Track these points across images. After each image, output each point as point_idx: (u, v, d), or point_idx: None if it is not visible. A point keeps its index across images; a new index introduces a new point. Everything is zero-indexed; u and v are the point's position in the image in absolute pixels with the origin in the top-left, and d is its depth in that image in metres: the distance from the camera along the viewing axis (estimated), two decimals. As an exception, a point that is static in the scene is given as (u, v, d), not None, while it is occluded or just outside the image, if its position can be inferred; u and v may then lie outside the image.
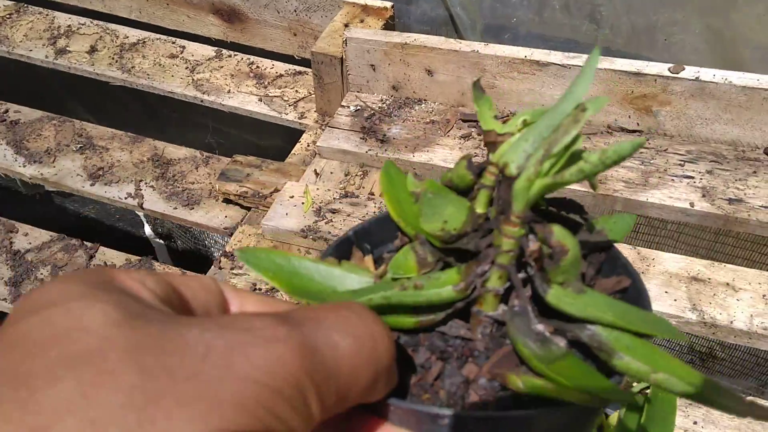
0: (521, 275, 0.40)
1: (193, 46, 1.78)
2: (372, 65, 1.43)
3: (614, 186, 1.25)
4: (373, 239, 0.49)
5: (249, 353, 0.28)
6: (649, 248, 1.19)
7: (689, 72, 1.25)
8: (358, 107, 1.46)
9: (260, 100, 1.64)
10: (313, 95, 1.62)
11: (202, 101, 1.66)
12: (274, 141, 2.12)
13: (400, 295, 0.39)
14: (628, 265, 0.43)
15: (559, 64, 1.30)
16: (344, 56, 1.45)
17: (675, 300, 1.11)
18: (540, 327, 0.39)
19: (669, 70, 1.26)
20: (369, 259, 0.47)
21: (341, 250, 0.48)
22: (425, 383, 0.40)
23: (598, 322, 0.37)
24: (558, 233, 0.38)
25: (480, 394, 0.39)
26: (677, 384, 0.33)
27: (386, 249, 0.48)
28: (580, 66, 1.29)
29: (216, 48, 1.76)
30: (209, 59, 1.75)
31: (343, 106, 1.47)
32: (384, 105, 1.46)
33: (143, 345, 0.26)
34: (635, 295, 0.42)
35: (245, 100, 1.64)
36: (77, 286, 0.29)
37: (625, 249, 1.19)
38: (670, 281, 1.14)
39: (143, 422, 0.24)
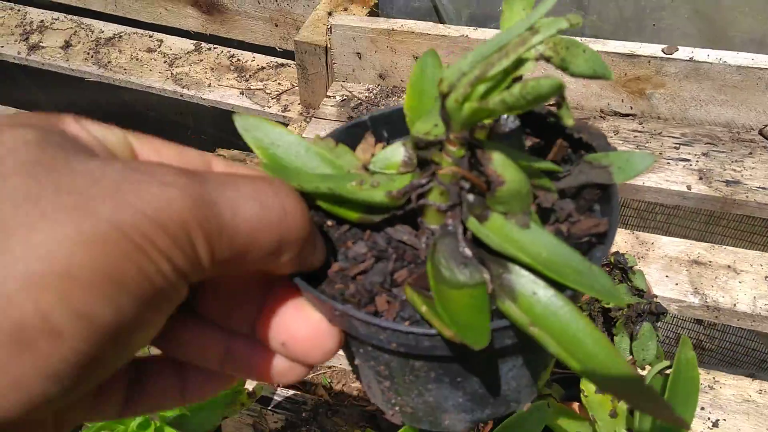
0: (469, 198, 0.39)
1: (171, 40, 1.73)
2: (358, 53, 1.40)
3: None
4: (394, 128, 0.49)
5: (140, 188, 0.28)
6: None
7: (683, 53, 1.23)
8: (345, 97, 1.42)
9: (242, 93, 1.59)
10: (297, 88, 1.58)
11: (181, 96, 1.61)
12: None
13: (342, 189, 0.39)
14: (615, 209, 0.41)
15: (550, 48, 1.27)
16: (329, 45, 1.41)
17: (676, 284, 1.08)
18: (467, 252, 0.38)
19: (663, 51, 1.24)
20: (380, 148, 0.46)
21: (353, 134, 0.47)
22: (347, 274, 0.40)
23: (518, 262, 0.37)
24: (497, 162, 0.36)
25: (387, 299, 0.39)
26: (550, 344, 0.33)
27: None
28: (571, 49, 1.27)
29: (195, 41, 1.72)
30: (188, 53, 1.70)
31: (328, 97, 1.43)
32: (371, 94, 1.42)
33: (42, 162, 0.28)
34: (604, 241, 0.40)
35: (226, 94, 1.59)
36: (23, 119, 0.31)
37: (623, 234, 1.17)
38: (670, 265, 1.11)
39: (18, 214, 0.26)
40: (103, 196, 0.27)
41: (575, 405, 0.80)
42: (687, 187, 1.19)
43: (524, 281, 0.36)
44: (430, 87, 0.46)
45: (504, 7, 0.40)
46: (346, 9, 1.51)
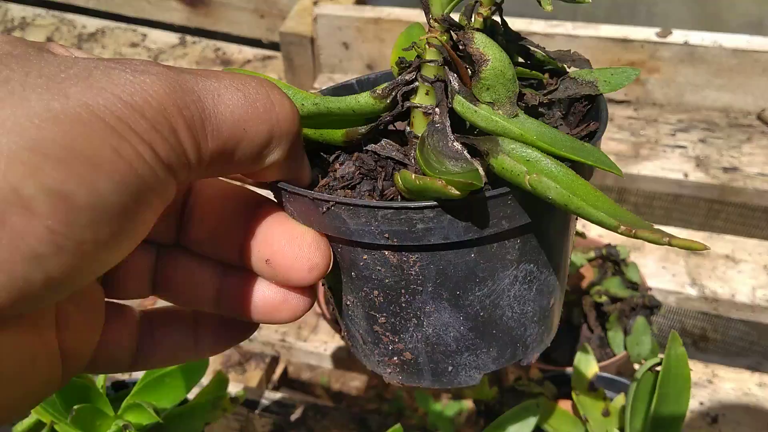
0: (456, 86, 0.38)
1: (155, 34, 1.69)
2: (345, 43, 1.36)
3: (604, 159, 1.19)
4: None
5: (112, 74, 0.27)
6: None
7: (677, 36, 1.20)
8: (332, 88, 1.38)
9: (228, 86, 1.56)
10: (284, 80, 1.54)
11: (167, 90, 1.58)
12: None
13: (327, 101, 0.38)
14: (603, 112, 0.41)
15: (542, 33, 1.24)
16: (315, 35, 1.37)
17: (674, 275, 1.05)
18: (456, 145, 0.37)
19: (656, 34, 1.20)
20: None
21: (339, 94, 0.45)
22: (334, 186, 0.40)
23: (508, 136, 0.36)
24: (479, 40, 0.35)
25: (378, 198, 0.39)
26: (550, 187, 0.32)
27: None
28: (563, 35, 1.23)
29: (179, 34, 1.68)
30: (173, 47, 1.66)
31: (315, 89, 1.39)
32: (358, 85, 1.39)
33: (14, 54, 0.27)
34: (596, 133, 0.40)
35: (212, 88, 1.56)
36: (8, 36, 0.30)
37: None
38: (667, 256, 1.08)
39: None
40: (74, 80, 0.27)
41: (567, 403, 0.77)
42: (684, 174, 1.15)
43: (516, 149, 0.35)
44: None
45: None
46: (332, -2, 1.48)
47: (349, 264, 0.39)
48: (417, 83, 0.39)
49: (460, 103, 0.37)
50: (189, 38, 1.68)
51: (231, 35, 1.68)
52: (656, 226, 0.31)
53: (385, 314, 0.40)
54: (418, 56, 0.38)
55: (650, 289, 0.88)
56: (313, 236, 0.38)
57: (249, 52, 1.64)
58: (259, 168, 0.34)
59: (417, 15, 1.31)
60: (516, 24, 1.25)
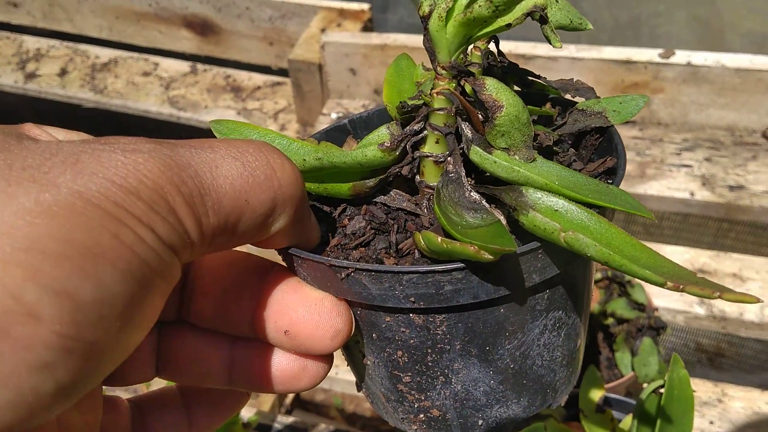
0: (468, 133, 0.36)
1: (166, 62, 1.72)
2: (352, 69, 1.38)
3: (610, 179, 1.20)
4: (373, 131, 0.45)
5: (102, 156, 0.26)
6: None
7: (680, 57, 1.21)
8: (340, 114, 1.40)
9: (238, 113, 1.58)
10: (293, 105, 1.57)
11: (178, 119, 1.60)
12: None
13: (330, 156, 0.37)
14: (619, 145, 0.39)
15: (545, 57, 1.25)
16: (323, 62, 1.40)
17: (681, 295, 1.06)
18: (474, 195, 0.35)
19: (659, 55, 1.22)
20: None
21: (333, 137, 0.45)
22: (347, 247, 0.38)
23: (532, 185, 0.34)
24: (491, 86, 0.34)
25: (396, 261, 0.37)
26: (588, 244, 0.30)
27: None
28: (567, 57, 1.25)
29: (191, 63, 1.71)
30: (184, 75, 1.69)
31: (324, 114, 1.41)
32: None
33: None
34: (616, 171, 0.38)
35: (223, 115, 1.58)
36: None
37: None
38: (675, 275, 1.08)
39: None
40: (62, 168, 0.25)
41: (576, 425, 0.78)
42: (690, 193, 1.16)
43: (542, 200, 0.34)
44: (407, 84, 0.45)
45: None
46: (339, 25, 1.50)
47: (369, 326, 0.38)
48: (426, 132, 0.38)
49: (478, 154, 0.36)
50: (200, 66, 1.70)
51: (241, 63, 1.71)
52: (699, 275, 0.30)
53: (410, 374, 0.38)
54: (425, 104, 0.37)
55: (657, 309, 0.88)
56: (332, 301, 0.36)
57: (258, 78, 1.67)
58: (265, 237, 0.33)
59: (419, 41, 1.33)
60: (520, 48, 1.27)
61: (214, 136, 0.41)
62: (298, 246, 0.36)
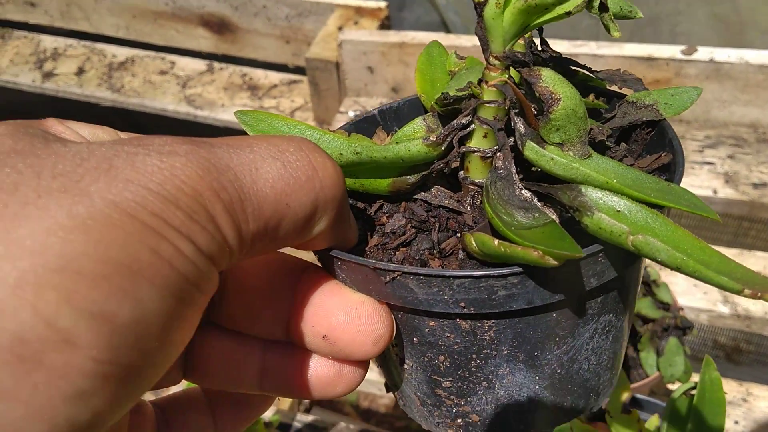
0: (521, 128, 0.34)
1: (183, 61, 1.72)
2: (369, 67, 1.38)
3: (631, 177, 1.18)
4: (404, 122, 0.43)
5: (136, 161, 0.24)
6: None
7: (703, 53, 1.19)
8: (357, 112, 1.40)
9: (255, 112, 1.58)
10: (310, 104, 1.56)
11: (195, 117, 1.60)
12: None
13: (370, 150, 0.35)
14: (674, 140, 0.37)
15: (565, 54, 1.24)
16: (340, 60, 1.39)
17: (705, 293, 1.04)
18: (525, 193, 0.34)
19: (681, 52, 1.20)
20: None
21: (362, 128, 0.43)
22: (388, 247, 0.36)
23: (590, 184, 0.33)
24: (548, 78, 0.32)
25: (441, 263, 0.35)
26: (660, 249, 0.29)
27: None
28: (587, 54, 1.24)
29: (207, 61, 1.71)
30: (201, 73, 1.69)
31: (341, 112, 1.41)
32: (384, 108, 1.40)
33: (18, 150, 0.24)
34: (672, 172, 0.36)
35: (240, 113, 1.58)
36: (7, 124, 0.27)
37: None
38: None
39: None
40: (95, 174, 0.23)
41: (601, 426, 0.77)
42: (713, 191, 1.15)
43: (603, 200, 0.32)
44: (440, 73, 0.43)
45: None
46: (356, 23, 1.49)
47: (410, 330, 0.36)
48: (473, 126, 0.36)
49: (533, 150, 0.34)
50: (216, 64, 1.70)
51: (257, 61, 1.71)
52: None
53: (450, 379, 0.37)
54: (473, 96, 0.35)
55: (682, 309, 0.87)
56: (374, 305, 0.34)
57: (275, 76, 1.66)
58: (305, 240, 0.31)
59: (441, 39, 1.32)
60: (539, 46, 1.26)
61: (232, 134, 0.40)
62: (337, 246, 0.34)
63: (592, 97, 0.41)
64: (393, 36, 1.34)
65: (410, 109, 0.45)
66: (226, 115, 1.58)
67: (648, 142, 0.39)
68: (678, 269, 0.29)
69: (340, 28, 1.47)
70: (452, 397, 0.38)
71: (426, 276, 0.32)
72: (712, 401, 0.54)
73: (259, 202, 0.27)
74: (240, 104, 1.60)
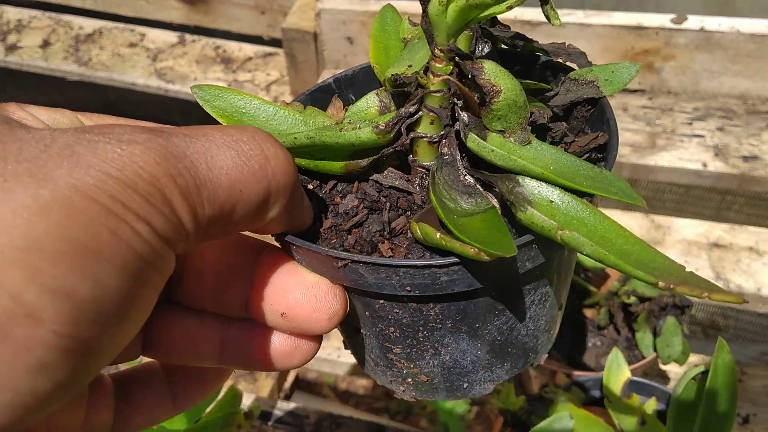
0: (465, 118, 0.36)
1: (153, 33, 1.66)
2: (349, 38, 1.33)
3: (621, 151, 1.15)
4: (360, 90, 0.46)
5: (97, 148, 0.25)
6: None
7: (693, 22, 1.16)
8: (336, 85, 1.35)
9: (229, 85, 1.52)
10: (286, 77, 1.51)
11: (166, 91, 1.54)
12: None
13: (322, 135, 0.36)
14: (611, 119, 0.39)
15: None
16: (318, 30, 1.34)
17: (696, 269, 1.02)
18: (468, 179, 0.36)
19: (671, 21, 1.17)
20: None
21: (317, 98, 0.45)
22: (341, 228, 0.38)
23: (527, 174, 0.34)
24: (490, 70, 0.34)
25: (390, 246, 0.37)
26: (584, 244, 0.31)
27: None
28: (575, 24, 1.19)
29: (178, 33, 1.64)
30: (172, 46, 1.63)
31: (319, 85, 1.36)
32: (364, 81, 1.35)
33: None
34: (606, 152, 0.38)
35: (214, 87, 1.52)
36: None
37: (636, 218, 1.10)
38: (689, 249, 1.04)
39: None
40: (58, 160, 0.24)
41: (598, 410, 0.74)
42: (702, 164, 1.12)
43: (538, 191, 0.34)
44: (393, 40, 0.44)
45: None
46: (334, -8, 1.44)
47: (363, 305, 0.38)
48: (421, 113, 0.37)
49: (475, 142, 0.35)
50: (188, 37, 1.64)
51: (231, 33, 1.65)
52: (688, 269, 0.31)
53: (400, 346, 0.39)
54: (420, 85, 0.37)
55: (676, 286, 0.84)
56: (328, 285, 0.36)
57: (249, 49, 1.60)
58: (259, 226, 0.33)
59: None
60: (525, 14, 1.22)
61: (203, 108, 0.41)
62: (292, 228, 0.36)
63: (538, 68, 0.43)
64: (374, 4, 1.29)
65: (365, 76, 0.46)
66: (199, 89, 1.52)
67: (588, 119, 0.41)
68: (601, 262, 0.31)
69: (317, -2, 1.42)
70: (402, 360, 0.40)
71: (374, 264, 0.34)
72: (725, 386, 0.51)
73: (214, 188, 0.28)
74: (213, 78, 1.54)
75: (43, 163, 0.24)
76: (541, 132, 0.39)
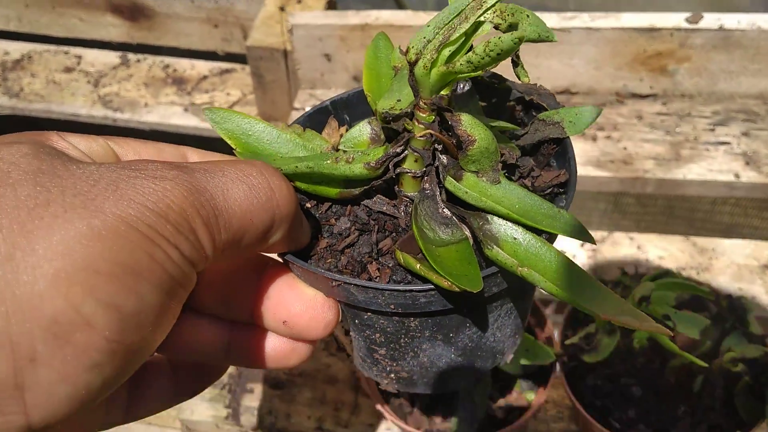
0: (444, 160, 0.41)
1: (92, 54, 1.48)
2: (326, 55, 1.19)
3: (643, 165, 1.05)
4: (354, 111, 0.51)
5: (136, 183, 0.31)
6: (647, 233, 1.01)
7: (710, 20, 1.07)
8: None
9: (186, 110, 1.36)
10: (249, 96, 1.36)
11: (114, 121, 1.37)
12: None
13: (321, 166, 0.41)
14: (572, 159, 0.44)
15: (556, 29, 1.09)
16: (290, 48, 1.19)
17: (754, 297, 0.93)
18: (446, 212, 0.40)
19: (686, 20, 1.07)
20: (343, 130, 0.48)
21: (315, 120, 0.49)
22: (335, 249, 0.43)
23: (495, 213, 0.39)
24: (466, 123, 0.38)
25: (377, 266, 0.41)
26: (539, 280, 0.36)
27: None
28: (581, 28, 1.09)
29: (120, 53, 1.47)
30: (114, 68, 1.45)
31: (296, 109, 1.21)
32: (346, 101, 1.21)
33: (44, 170, 0.30)
34: (567, 189, 0.44)
35: (168, 113, 1.36)
36: (13, 138, 0.33)
37: (676, 242, 1.01)
38: (740, 274, 0.96)
39: (33, 218, 0.28)
40: (105, 194, 0.29)
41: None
42: (734, 175, 1.03)
43: (503, 229, 0.39)
44: (385, 68, 0.47)
45: None
46: (299, 1, 1.29)
47: (353, 315, 0.43)
48: (407, 152, 0.41)
49: (451, 184, 0.40)
50: (132, 56, 1.47)
51: (180, 49, 1.48)
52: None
53: (385, 348, 0.45)
54: (406, 129, 0.41)
55: None
56: (323, 298, 0.42)
57: (203, 66, 1.44)
58: (263, 248, 0.38)
59: (408, 18, 1.14)
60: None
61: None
62: (292, 247, 0.41)
63: (512, 104, 0.48)
64: (353, 17, 1.15)
65: (359, 99, 0.51)
66: (151, 116, 1.36)
67: (554, 155, 0.46)
68: (554, 296, 0.36)
69: (282, 9, 1.27)
70: (386, 360, 0.46)
71: (363, 286, 0.39)
72: None
73: (229, 218, 0.33)
74: (166, 102, 1.38)
75: (93, 197, 0.29)
76: (511, 168, 0.44)
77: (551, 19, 1.09)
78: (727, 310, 0.71)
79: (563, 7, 1.31)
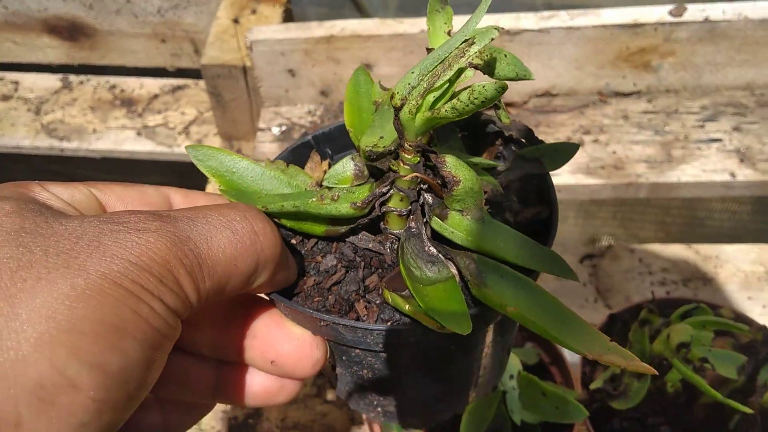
0: (429, 199, 0.42)
1: (29, 79, 1.37)
2: (290, 70, 1.10)
3: (635, 169, 1.00)
4: (336, 145, 0.52)
5: (119, 238, 0.31)
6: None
7: (694, 12, 1.02)
8: (283, 126, 1.13)
9: (138, 134, 1.27)
10: (206, 114, 1.28)
11: (62, 151, 1.27)
12: (171, 183, 1.73)
13: (307, 205, 0.41)
14: (552, 195, 0.45)
15: (534, 30, 1.03)
16: (250, 64, 1.11)
17: (764, 306, 0.89)
18: (432, 250, 0.41)
19: (670, 13, 1.02)
20: (326, 164, 0.49)
21: (298, 154, 0.50)
22: (323, 287, 0.43)
23: (481, 252, 0.40)
24: (451, 164, 0.38)
25: (365, 304, 0.42)
26: (526, 320, 0.36)
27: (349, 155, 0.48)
28: (560, 28, 1.03)
29: (61, 75, 1.36)
30: (56, 92, 1.34)
31: (261, 130, 1.13)
32: (315, 117, 1.13)
33: (26, 229, 0.30)
34: (548, 227, 0.44)
35: (119, 138, 1.26)
36: (6, 198, 0.32)
37: (677, 249, 0.96)
38: (748, 282, 0.91)
39: (15, 281, 0.28)
40: (88, 251, 0.29)
41: None
42: (731, 174, 0.99)
43: (489, 268, 0.39)
44: (366, 102, 0.47)
45: (428, 23, 0.40)
46: (254, 11, 1.21)
47: (341, 353, 0.43)
48: (392, 191, 0.41)
49: (437, 224, 0.41)
50: (74, 78, 1.36)
51: (126, 67, 1.38)
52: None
53: (372, 383, 0.45)
54: (391, 170, 0.41)
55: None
56: (312, 337, 0.41)
57: (153, 84, 1.35)
58: (248, 290, 0.37)
59: (375, 27, 1.07)
60: (502, 21, 1.04)
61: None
62: (278, 286, 0.40)
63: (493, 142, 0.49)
64: (317, 29, 1.07)
65: (340, 133, 0.50)
66: (101, 143, 1.26)
67: (536, 190, 0.47)
68: (539, 334, 0.36)
69: (236, 21, 1.18)
70: (373, 393, 0.47)
71: (352, 327, 0.39)
72: None
73: (213, 265, 0.33)
74: (116, 126, 1.28)
75: (76, 254, 0.29)
76: (494, 205, 0.45)
77: (529, 20, 1.03)
78: (761, 343, 0.66)
79: (548, 4, 1.25)
